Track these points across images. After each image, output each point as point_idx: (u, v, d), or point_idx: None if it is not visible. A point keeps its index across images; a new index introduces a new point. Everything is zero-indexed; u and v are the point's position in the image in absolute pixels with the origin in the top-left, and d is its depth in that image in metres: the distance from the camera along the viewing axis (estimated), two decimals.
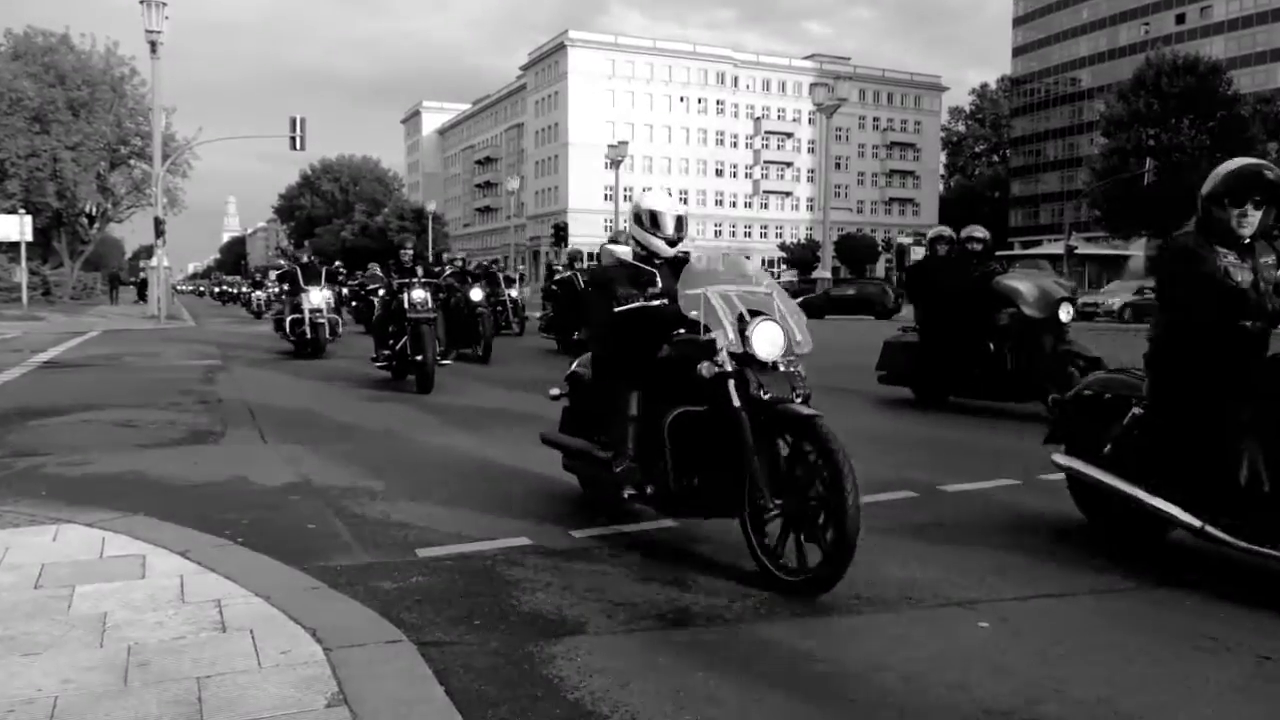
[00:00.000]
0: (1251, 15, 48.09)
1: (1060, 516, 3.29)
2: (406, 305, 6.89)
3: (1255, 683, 1.97)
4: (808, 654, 2.09)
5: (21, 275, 22.34)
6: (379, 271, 10.68)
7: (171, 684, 1.77)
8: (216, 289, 43.15)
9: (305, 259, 10.86)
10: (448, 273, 9.68)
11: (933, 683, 1.94)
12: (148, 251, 27.02)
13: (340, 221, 62.90)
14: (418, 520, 3.20)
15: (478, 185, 75.31)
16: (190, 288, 66.58)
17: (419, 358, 6.78)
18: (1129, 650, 2.13)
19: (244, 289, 27.79)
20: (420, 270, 7.34)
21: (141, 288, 28.48)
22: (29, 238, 21.65)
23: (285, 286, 10.81)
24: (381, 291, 8.87)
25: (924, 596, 2.46)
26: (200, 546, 2.66)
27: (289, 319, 10.15)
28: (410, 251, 7.59)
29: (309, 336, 9.90)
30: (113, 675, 1.81)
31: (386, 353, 7.24)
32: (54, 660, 1.88)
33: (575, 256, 12.19)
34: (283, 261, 12.03)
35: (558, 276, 11.19)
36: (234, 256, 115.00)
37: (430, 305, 6.95)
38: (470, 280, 10.50)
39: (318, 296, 10.06)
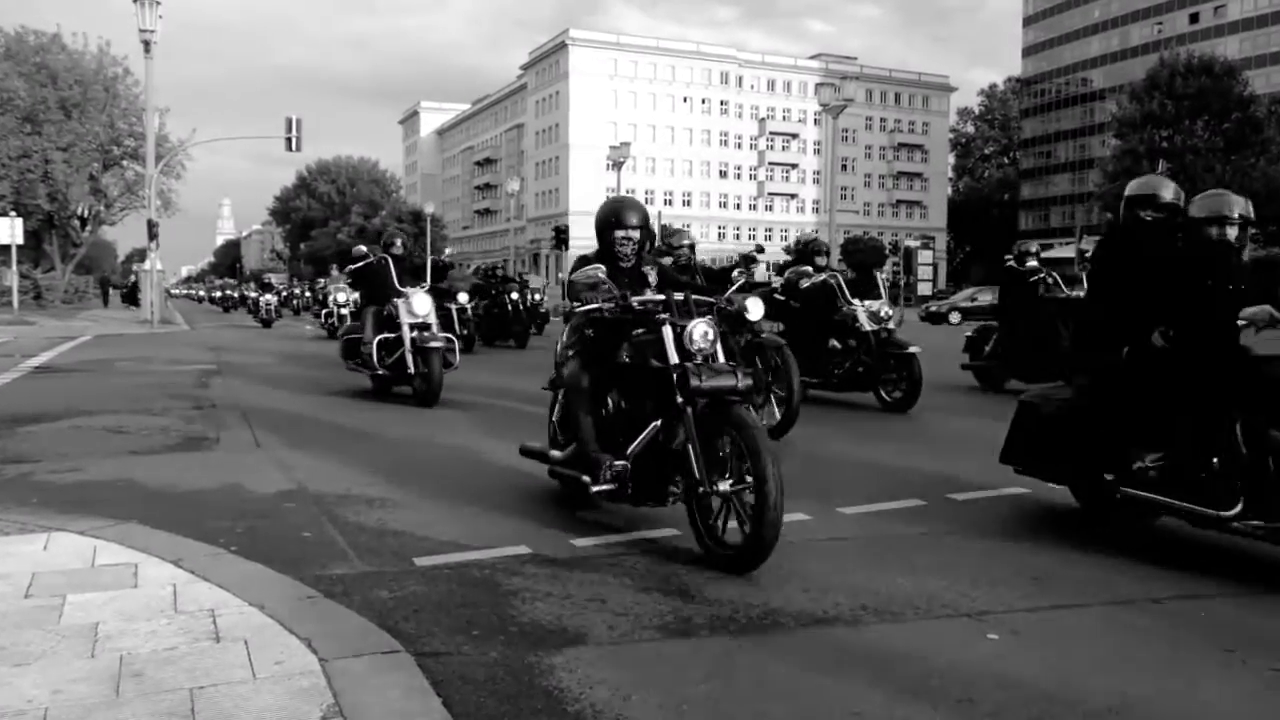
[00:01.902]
0: (1267, 15, 47.87)
1: (1071, 525, 3.27)
2: (687, 364, 2.80)
3: (1270, 694, 1.95)
4: (812, 665, 2.07)
5: (12, 279, 22.19)
6: (599, 273, 3.06)
7: (164, 695, 1.74)
8: (217, 293, 39.48)
9: (398, 246, 6.90)
10: (790, 276, 5.40)
11: (941, 695, 1.92)
12: (140, 255, 26.90)
13: (337, 224, 62.79)
14: (415, 528, 3.17)
15: (477, 187, 75.29)
16: (186, 291, 65.84)
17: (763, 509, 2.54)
18: (1141, 661, 2.11)
19: (250, 293, 25.56)
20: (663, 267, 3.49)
21: (132, 291, 28.15)
22: (20, 240, 21.52)
23: (358, 292, 7.49)
24: (578, 305, 3.54)
25: (931, 607, 2.43)
26: (193, 555, 2.63)
27: (374, 341, 6.41)
28: (689, 242, 4.48)
29: (412, 370, 6.19)
30: (104, 686, 1.78)
31: (619, 465, 2.94)
32: (45, 671, 1.85)
33: (814, 246, 7.06)
34: (363, 249, 7.83)
35: (805, 282, 6.54)
36: (229, 260, 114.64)
37: (741, 375, 2.85)
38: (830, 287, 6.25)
39: (423, 305, 6.32)
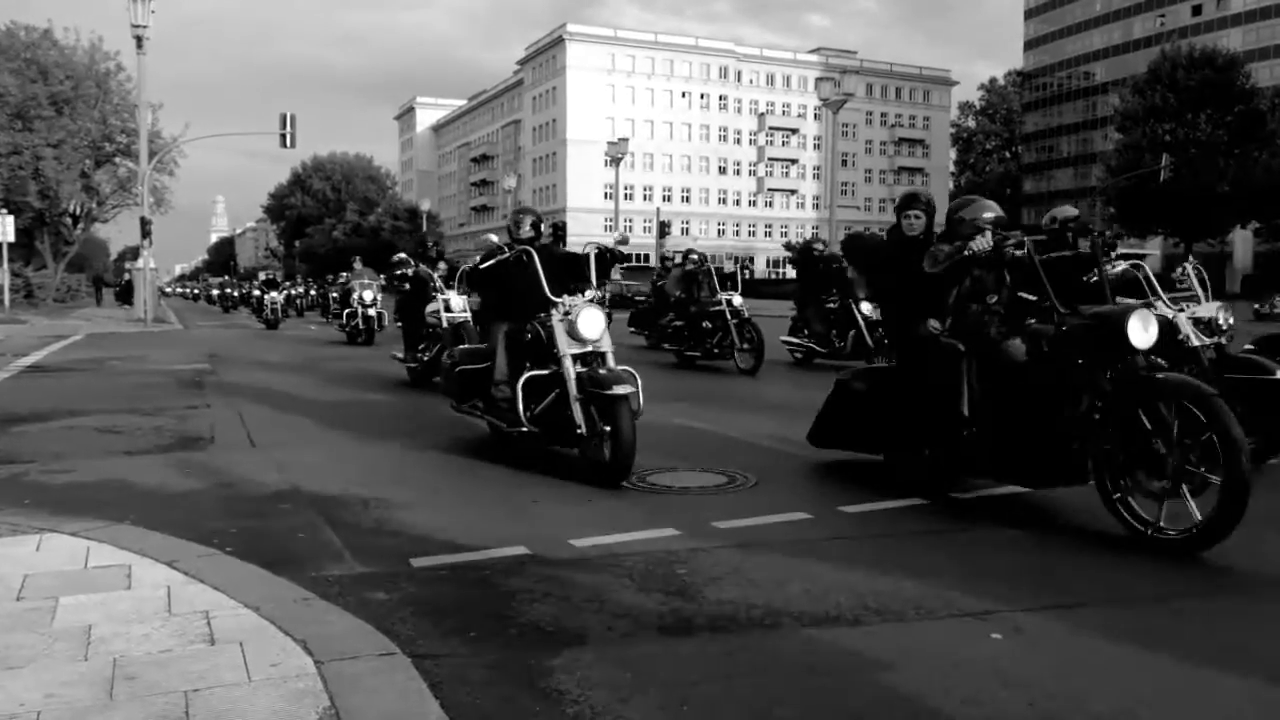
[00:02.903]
0: (1270, 6, 47.87)
1: (1073, 525, 3.25)
2: None
3: (1276, 695, 1.93)
4: (814, 666, 2.05)
5: (3, 277, 22.02)
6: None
7: (158, 698, 1.72)
8: (216, 291, 35.85)
9: (527, 228, 4.69)
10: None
11: (944, 696, 1.90)
12: (133, 253, 26.69)
13: (332, 221, 62.61)
14: (412, 529, 3.14)
15: (473, 183, 75.11)
16: (183, 290, 65.06)
17: None
18: (1146, 661, 2.09)
19: (254, 291, 22.84)
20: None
21: (127, 290, 27.87)
22: (10, 238, 21.37)
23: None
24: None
25: (935, 607, 2.42)
26: (188, 556, 2.61)
27: (519, 384, 4.02)
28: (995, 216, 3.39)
29: (583, 428, 3.81)
30: (98, 689, 1.76)
31: None
32: (37, 674, 1.83)
33: (1085, 226, 4.79)
34: (493, 238, 4.85)
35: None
36: (223, 258, 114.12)
37: None
38: None
39: (594, 324, 3.97)
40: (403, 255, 8.77)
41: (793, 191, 66.81)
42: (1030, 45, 63.53)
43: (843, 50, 68.30)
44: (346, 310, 12.77)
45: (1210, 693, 1.94)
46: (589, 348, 3.95)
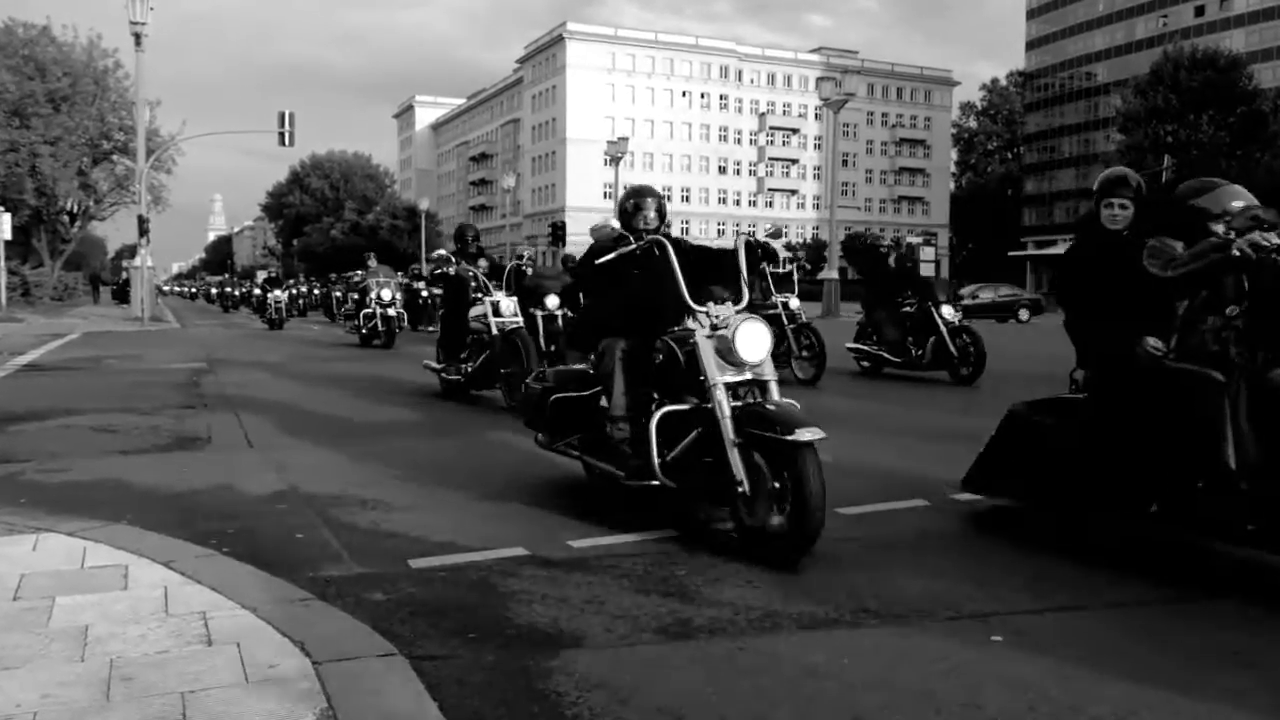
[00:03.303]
0: (1273, 8, 47.88)
1: (1075, 529, 3.23)
2: None
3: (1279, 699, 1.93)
4: (814, 668, 2.04)
5: None
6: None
7: (155, 699, 1.72)
8: (215, 290, 35.48)
9: (650, 217, 3.48)
10: None
11: (944, 699, 1.89)
12: (130, 251, 26.66)
13: (330, 220, 62.53)
14: (410, 529, 3.14)
15: (472, 182, 75.10)
16: (180, 288, 64.73)
17: None
18: (1149, 665, 2.08)
19: (256, 289, 21.49)
20: None
21: (123, 288, 27.80)
22: (7, 236, 21.31)
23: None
24: None
25: (935, 609, 2.41)
26: (185, 557, 2.60)
27: (652, 424, 2.98)
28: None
29: (744, 485, 2.75)
30: (94, 689, 1.76)
31: None
32: (33, 674, 1.82)
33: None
34: (615, 224, 3.69)
35: None
36: (220, 256, 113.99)
37: None
38: None
39: (758, 342, 2.89)
40: (443, 252, 7.62)
41: (793, 191, 66.79)
42: (1032, 45, 63.60)
43: (844, 50, 68.32)
44: (364, 311, 11.80)
45: (1212, 697, 1.93)
46: (746, 374, 2.91)
